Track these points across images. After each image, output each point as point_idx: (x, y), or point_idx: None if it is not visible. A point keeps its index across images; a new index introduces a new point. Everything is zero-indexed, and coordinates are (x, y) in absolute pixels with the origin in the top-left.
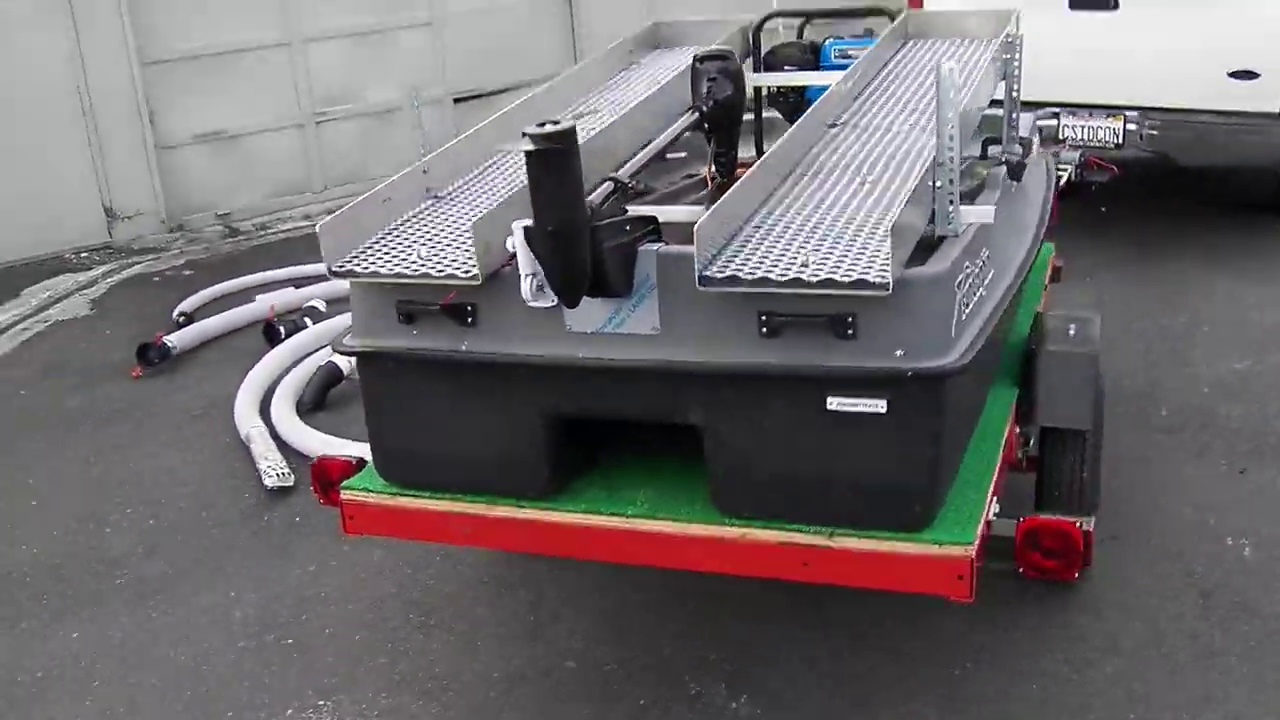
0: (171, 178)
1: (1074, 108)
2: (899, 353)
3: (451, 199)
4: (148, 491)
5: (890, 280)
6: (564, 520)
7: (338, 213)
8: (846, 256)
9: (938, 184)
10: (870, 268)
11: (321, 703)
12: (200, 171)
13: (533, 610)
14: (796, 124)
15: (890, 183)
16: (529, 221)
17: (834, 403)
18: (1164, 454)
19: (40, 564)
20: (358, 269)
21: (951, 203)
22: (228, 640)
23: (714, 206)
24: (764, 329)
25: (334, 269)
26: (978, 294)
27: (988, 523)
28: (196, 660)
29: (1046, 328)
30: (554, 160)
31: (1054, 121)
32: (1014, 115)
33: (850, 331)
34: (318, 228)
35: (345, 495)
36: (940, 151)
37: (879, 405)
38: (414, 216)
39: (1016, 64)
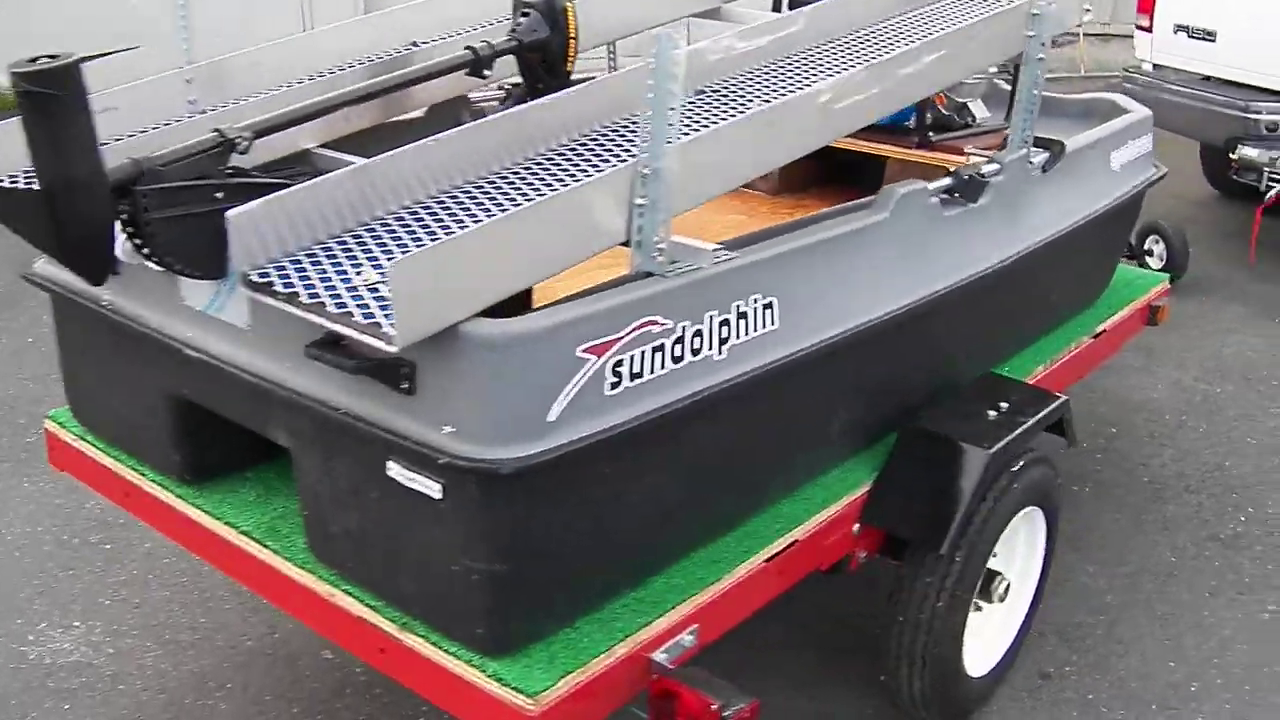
0: None
1: None
2: (447, 429)
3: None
4: None
5: (395, 332)
6: (189, 514)
7: None
8: None
9: (639, 200)
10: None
11: (77, 624)
12: None
13: None
14: (594, 81)
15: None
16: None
17: (393, 470)
18: (1197, 575)
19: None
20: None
21: (661, 231)
22: (64, 530)
23: (299, 185)
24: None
25: None
26: (691, 358)
27: (647, 662)
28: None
29: (954, 399)
30: (42, 105)
31: None
32: (1027, 111)
33: (407, 386)
34: None
35: (48, 424)
36: (652, 154)
37: (434, 489)
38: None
39: (1042, 44)
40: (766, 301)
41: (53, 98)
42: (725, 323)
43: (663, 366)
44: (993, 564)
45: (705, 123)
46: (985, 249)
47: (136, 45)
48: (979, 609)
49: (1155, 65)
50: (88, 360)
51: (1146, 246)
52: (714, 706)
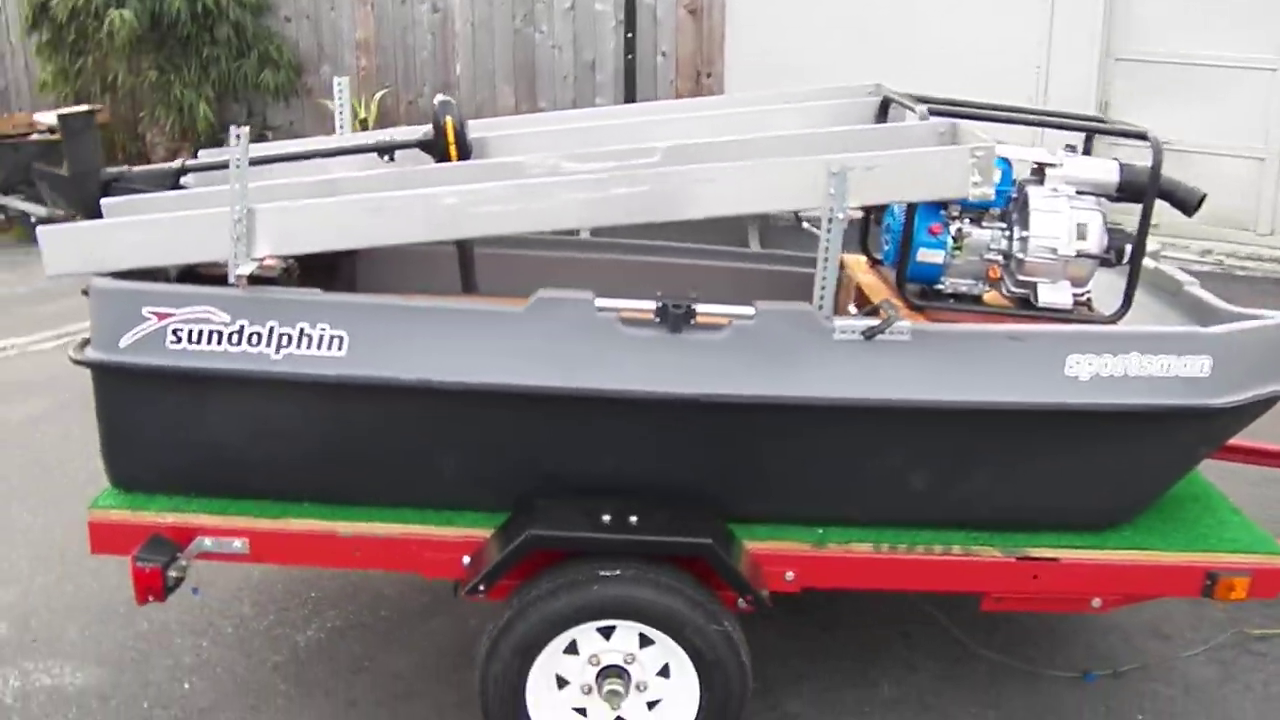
0: None
1: None
2: (85, 335)
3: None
4: None
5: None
6: None
7: None
8: None
9: (236, 235)
10: None
11: None
12: None
13: None
14: None
15: None
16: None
17: None
18: None
19: None
20: None
21: (243, 258)
22: None
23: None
24: None
25: None
26: (247, 347)
27: (193, 536)
28: None
29: (608, 496)
30: (71, 131)
31: None
32: (826, 271)
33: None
34: None
35: None
36: (239, 209)
37: None
38: None
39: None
40: (337, 334)
41: (76, 129)
42: (286, 335)
43: (218, 344)
44: (630, 667)
45: None
46: (689, 379)
47: None
48: (568, 688)
49: None
50: None
51: None
52: (131, 554)
